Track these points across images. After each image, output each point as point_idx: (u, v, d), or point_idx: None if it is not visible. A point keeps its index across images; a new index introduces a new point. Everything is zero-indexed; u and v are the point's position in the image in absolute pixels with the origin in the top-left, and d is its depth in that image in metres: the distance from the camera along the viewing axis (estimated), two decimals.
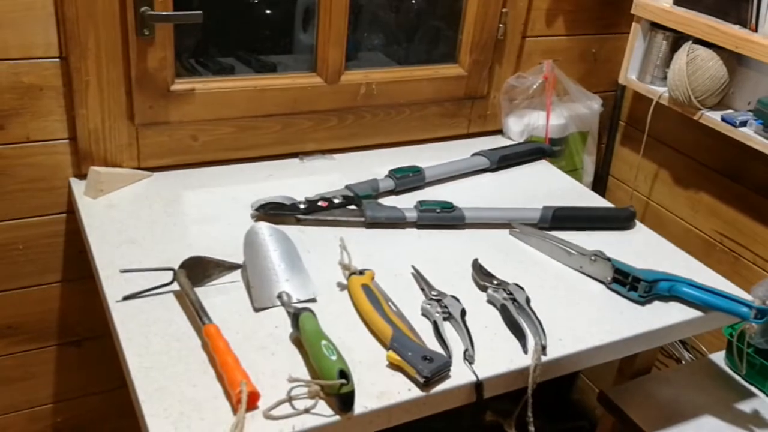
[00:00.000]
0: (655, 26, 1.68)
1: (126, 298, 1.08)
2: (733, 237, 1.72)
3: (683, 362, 1.76)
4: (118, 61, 1.29)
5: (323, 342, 0.95)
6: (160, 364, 0.97)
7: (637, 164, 1.92)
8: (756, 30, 1.47)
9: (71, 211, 1.40)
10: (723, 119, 1.54)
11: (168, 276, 1.10)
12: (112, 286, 1.10)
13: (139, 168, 1.42)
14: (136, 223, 1.27)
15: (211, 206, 1.36)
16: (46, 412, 1.64)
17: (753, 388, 1.41)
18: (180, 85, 1.38)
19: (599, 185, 2.03)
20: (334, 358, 0.93)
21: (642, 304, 1.20)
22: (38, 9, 1.22)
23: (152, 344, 1.00)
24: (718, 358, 1.49)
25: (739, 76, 1.59)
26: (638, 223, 1.46)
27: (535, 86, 1.76)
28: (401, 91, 1.62)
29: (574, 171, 1.93)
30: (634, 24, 1.73)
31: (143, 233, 1.25)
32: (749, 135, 1.50)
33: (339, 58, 1.52)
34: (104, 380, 1.65)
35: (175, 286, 1.10)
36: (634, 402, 1.34)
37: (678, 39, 1.64)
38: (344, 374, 0.91)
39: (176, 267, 1.10)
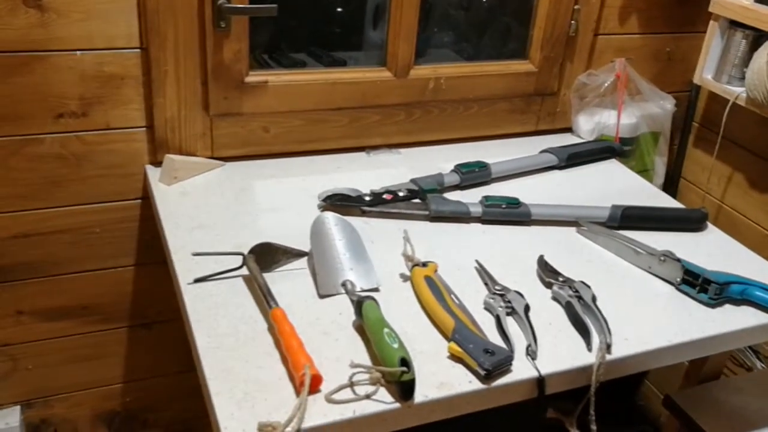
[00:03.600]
0: (734, 24, 1.63)
1: (197, 280, 1.11)
2: None
3: (754, 371, 1.71)
4: (195, 52, 1.33)
5: (386, 330, 0.96)
6: (228, 346, 0.99)
7: (710, 166, 1.87)
8: None
9: (146, 198, 1.45)
10: None
11: (237, 261, 1.13)
12: (184, 269, 1.14)
13: (212, 157, 1.46)
14: (209, 209, 1.31)
15: (281, 196, 1.39)
16: (117, 391, 1.70)
17: None
18: (254, 77, 1.41)
19: (670, 187, 1.98)
20: (396, 345, 0.94)
21: (712, 306, 1.17)
22: (122, 1, 1.27)
23: (220, 326, 1.03)
24: None
25: None
26: (710, 225, 1.42)
27: (606, 84, 1.74)
28: (470, 86, 1.62)
29: (644, 172, 1.89)
30: (711, 22, 1.69)
31: (215, 219, 1.28)
32: None
33: (409, 52, 1.53)
34: (173, 363, 1.71)
35: (244, 271, 1.13)
36: (702, 408, 1.31)
37: (758, 38, 1.60)
38: (405, 362, 0.92)
39: (246, 252, 1.13)
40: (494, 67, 1.65)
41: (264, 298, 1.05)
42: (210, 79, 1.36)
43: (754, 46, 1.61)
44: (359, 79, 1.51)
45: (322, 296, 1.11)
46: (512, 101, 1.69)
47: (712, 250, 1.35)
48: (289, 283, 1.13)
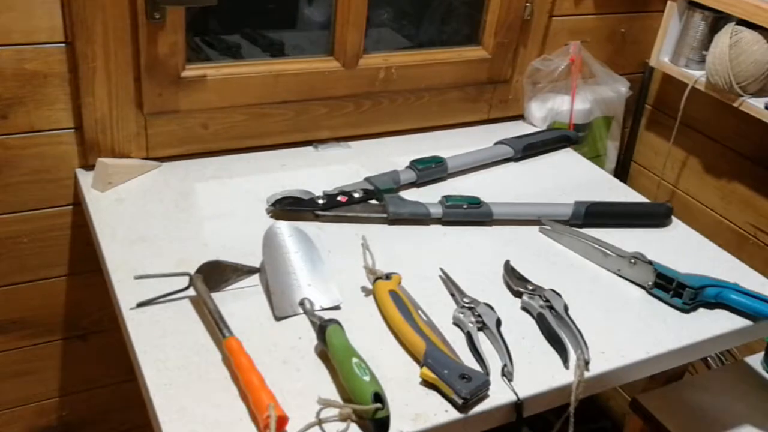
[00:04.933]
0: (693, 5, 1.59)
1: (140, 304, 1.01)
2: None
3: (714, 366, 1.70)
4: (126, 46, 1.21)
5: (354, 360, 0.88)
6: (180, 382, 0.90)
7: (665, 151, 1.84)
8: None
9: (78, 203, 1.33)
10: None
11: (184, 280, 1.03)
12: (125, 291, 1.03)
13: (147, 158, 1.34)
14: (148, 219, 1.20)
15: (225, 200, 1.28)
16: (53, 406, 1.59)
17: None
18: (191, 71, 1.29)
19: (622, 172, 1.95)
20: (367, 378, 0.86)
21: (686, 312, 1.13)
22: None
23: (170, 358, 0.93)
24: (755, 362, 1.42)
25: None
26: (675, 220, 1.38)
27: (560, 69, 1.68)
28: (422, 75, 1.54)
29: (596, 158, 1.86)
30: (669, 2, 1.64)
31: (155, 230, 1.17)
32: None
33: (358, 40, 1.43)
34: (110, 374, 1.60)
35: (192, 291, 1.03)
36: (670, 410, 1.28)
37: (718, 19, 1.56)
38: (379, 397, 0.84)
39: (192, 271, 1.03)
40: (446, 55, 1.56)
41: (216, 326, 0.95)
42: (144, 75, 1.24)
43: (713, 28, 1.57)
44: (305, 70, 1.41)
45: (278, 318, 1.02)
46: (464, 89, 1.62)
47: (679, 246, 1.31)
48: (241, 304, 1.04)
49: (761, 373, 1.40)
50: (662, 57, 1.68)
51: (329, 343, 0.92)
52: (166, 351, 0.94)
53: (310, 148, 1.50)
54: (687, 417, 1.28)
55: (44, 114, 1.22)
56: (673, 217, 1.38)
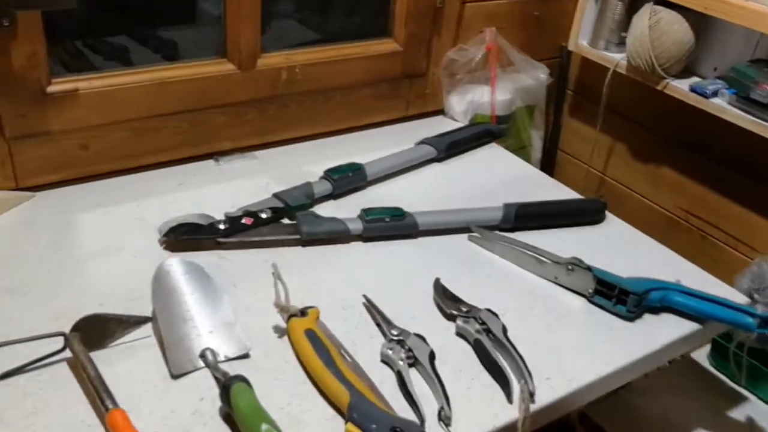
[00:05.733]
0: None
1: (4, 376, 0.84)
2: (699, 214, 1.59)
3: (656, 369, 1.62)
4: None
5: (264, 427, 0.74)
6: None
7: (591, 138, 1.76)
8: None
9: None
10: (693, 90, 1.38)
11: (59, 342, 0.86)
12: None
13: (17, 188, 1.15)
14: (17, 263, 1.02)
15: (112, 232, 1.11)
16: None
17: (743, 391, 1.28)
18: (58, 85, 1.11)
19: (549, 162, 1.86)
20: None
21: (631, 320, 1.03)
22: None
23: None
24: (701, 357, 1.35)
25: (704, 40, 1.43)
26: (608, 215, 1.29)
27: (477, 58, 1.57)
28: (329, 73, 1.40)
29: (522, 149, 1.76)
30: None
31: (26, 278, 0.99)
32: (722, 106, 1.35)
33: (254, 38, 1.28)
34: None
35: (69, 353, 0.86)
36: (619, 420, 1.20)
37: (635, 0, 1.47)
38: None
39: (68, 331, 0.86)
40: (355, 50, 1.43)
41: (97, 396, 0.79)
42: None
43: (631, 9, 1.48)
44: (195, 75, 1.25)
45: (175, 376, 0.86)
46: (378, 86, 1.48)
47: (615, 243, 1.22)
48: (130, 362, 0.88)
49: (708, 368, 1.33)
50: (580, 40, 1.59)
51: (235, 406, 0.78)
52: None
53: (210, 162, 1.34)
54: (638, 426, 1.19)
55: None
56: (606, 212, 1.28)
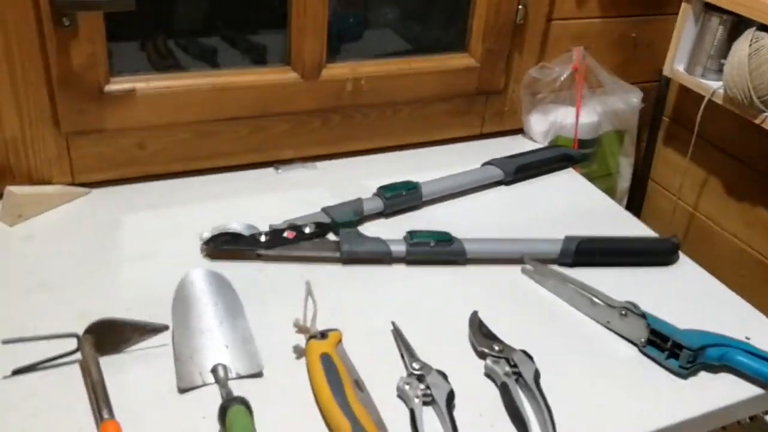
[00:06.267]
0: (710, 8, 1.38)
1: (17, 372, 0.84)
2: None
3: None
4: (35, 57, 1.05)
5: None
6: None
7: (682, 169, 1.63)
8: None
9: None
10: None
11: (74, 342, 0.86)
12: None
13: (73, 184, 1.18)
14: (56, 261, 1.03)
15: (155, 235, 1.11)
16: None
17: None
18: (116, 85, 1.12)
19: (638, 192, 1.74)
20: None
21: (684, 377, 0.93)
22: None
23: None
24: None
25: None
26: (682, 256, 1.18)
27: (562, 78, 1.48)
28: (398, 86, 1.35)
29: (608, 176, 1.65)
30: (683, 3, 1.43)
31: (60, 275, 1.00)
32: None
33: (318, 49, 1.25)
34: None
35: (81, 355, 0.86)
36: None
37: (737, 24, 1.34)
38: None
39: (81, 332, 0.86)
40: (427, 64, 1.38)
41: (95, 403, 0.78)
42: (57, 89, 1.07)
43: (732, 34, 1.35)
44: (256, 82, 1.23)
45: (182, 390, 0.84)
46: (451, 101, 1.43)
47: (685, 289, 1.11)
48: (141, 369, 0.87)
49: None
50: (677, 65, 1.47)
51: (228, 429, 0.75)
52: None
53: (270, 170, 1.32)
54: None
55: None
56: (680, 253, 1.17)
